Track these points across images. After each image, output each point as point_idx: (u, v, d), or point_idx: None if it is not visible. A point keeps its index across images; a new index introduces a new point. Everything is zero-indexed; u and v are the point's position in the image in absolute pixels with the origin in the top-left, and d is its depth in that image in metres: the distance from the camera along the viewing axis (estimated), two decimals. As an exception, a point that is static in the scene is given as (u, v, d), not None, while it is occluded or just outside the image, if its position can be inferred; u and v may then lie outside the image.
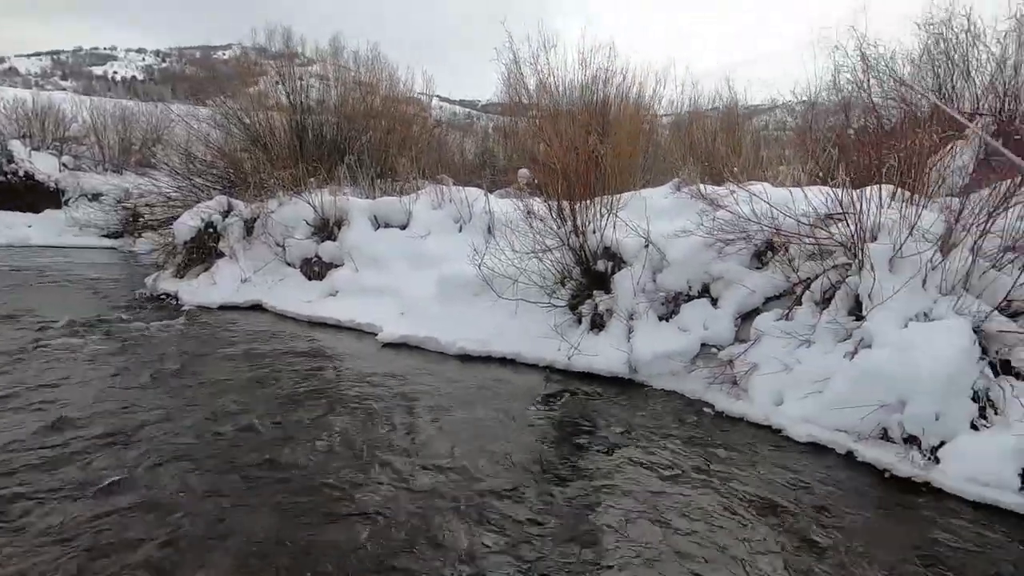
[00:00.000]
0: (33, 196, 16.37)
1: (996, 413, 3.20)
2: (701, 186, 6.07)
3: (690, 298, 5.23)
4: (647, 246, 5.30)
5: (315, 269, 7.84)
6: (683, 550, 2.55)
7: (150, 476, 3.02)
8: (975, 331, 3.47)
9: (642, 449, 3.56)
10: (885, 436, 3.45)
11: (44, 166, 16.94)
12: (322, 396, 4.38)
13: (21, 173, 16.47)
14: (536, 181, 9.32)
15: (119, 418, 3.76)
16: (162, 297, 8.07)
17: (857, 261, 4.34)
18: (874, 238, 4.35)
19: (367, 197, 8.79)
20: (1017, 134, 6.32)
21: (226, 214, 8.88)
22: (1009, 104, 6.88)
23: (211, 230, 8.61)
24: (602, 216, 5.69)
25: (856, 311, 4.19)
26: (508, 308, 5.68)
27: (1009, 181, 4.20)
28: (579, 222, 5.64)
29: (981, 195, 4.09)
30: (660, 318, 5.20)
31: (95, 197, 16.72)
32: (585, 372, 4.91)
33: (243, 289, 7.79)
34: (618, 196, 5.88)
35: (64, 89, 32.72)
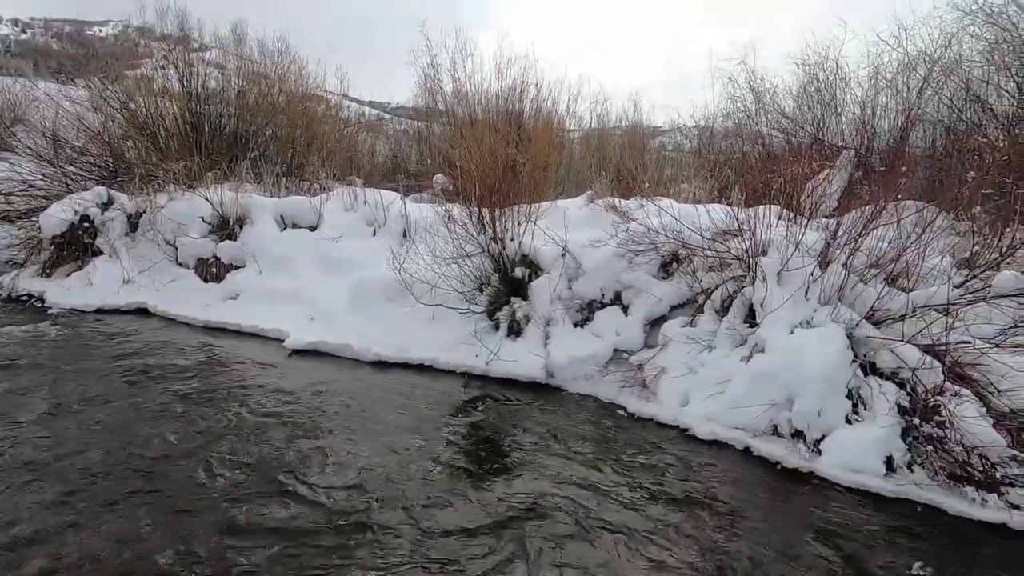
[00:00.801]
0: None
1: (865, 408, 3.64)
2: (614, 199, 6.36)
3: (603, 305, 5.46)
4: (564, 255, 5.47)
5: (212, 270, 7.25)
6: (597, 543, 2.65)
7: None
8: (848, 337, 3.93)
9: (559, 451, 3.65)
10: (776, 432, 3.80)
11: None
12: (222, 408, 4.05)
13: None
14: (452, 187, 9.33)
15: (-29, 438, 3.24)
16: (23, 298, 7.06)
17: (751, 273, 4.76)
18: (765, 252, 4.80)
19: (272, 196, 8.29)
20: (874, 165, 7.29)
21: (105, 207, 7.98)
22: (868, 139, 7.89)
23: (87, 224, 7.69)
24: (520, 224, 5.79)
25: (751, 319, 4.59)
26: (425, 314, 5.60)
27: (872, 206, 4.83)
28: (498, 229, 5.69)
29: (853, 217, 4.65)
30: (575, 324, 5.37)
31: (-68, 181, 14.31)
32: (503, 378, 4.94)
33: (125, 291, 7.02)
34: (536, 205, 6.01)
35: None
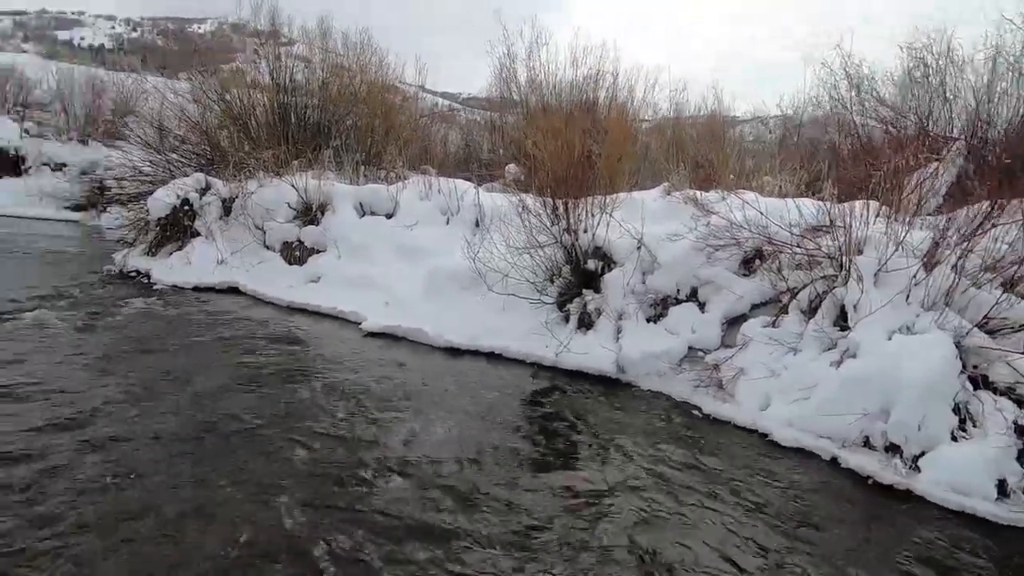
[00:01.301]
0: (-9, 162, 15.56)
1: (975, 425, 3.32)
2: (693, 192, 6.13)
3: (678, 301, 5.29)
4: (640, 248, 5.33)
5: (296, 254, 7.65)
6: (668, 549, 2.57)
7: (108, 466, 2.89)
8: (956, 346, 3.59)
9: (630, 448, 3.58)
10: (868, 444, 3.55)
11: (5, 132, 16.09)
12: (303, 384, 4.27)
13: (-22, 137, 15.62)
14: (524, 177, 9.33)
15: (87, 401, 3.60)
16: (132, 275, 7.75)
17: (844, 273, 4.45)
18: (860, 251, 4.47)
19: (351, 184, 8.62)
20: (989, 159, 6.59)
21: (203, 192, 8.58)
22: (982, 129, 7.15)
23: (187, 208, 8.31)
24: (594, 216, 5.70)
25: (841, 321, 4.29)
26: (497, 303, 5.64)
27: (987, 203, 4.37)
28: (571, 220, 5.64)
29: (965, 215, 4.24)
30: (648, 319, 5.24)
31: (58, 167, 15.99)
32: (573, 370, 4.91)
33: (220, 270, 7.54)
34: (611, 196, 5.90)
35: (25, 52, 31.17)
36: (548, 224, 5.63)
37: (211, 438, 3.23)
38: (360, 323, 5.87)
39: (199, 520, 2.46)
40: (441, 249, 6.80)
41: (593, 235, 5.62)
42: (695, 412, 4.23)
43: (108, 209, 13.60)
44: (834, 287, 4.46)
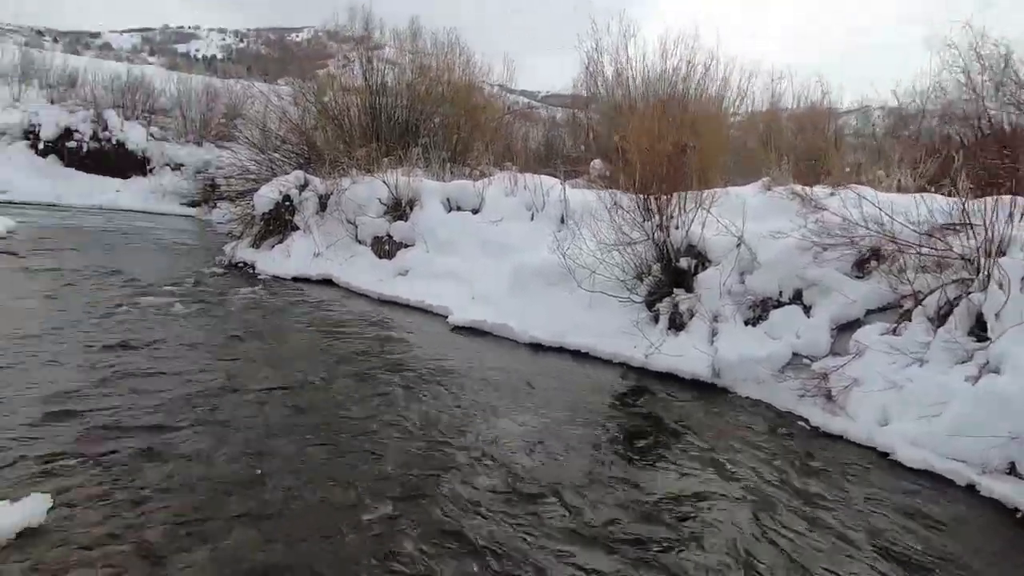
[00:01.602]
0: (123, 163, 17.40)
1: None
2: (797, 187, 5.70)
3: (780, 304, 4.93)
4: (739, 245, 5.03)
5: (386, 248, 7.92)
6: (765, 571, 2.36)
7: (214, 440, 3.07)
8: None
9: (729, 459, 3.36)
10: (1014, 471, 3.11)
11: (134, 135, 17.94)
12: (393, 375, 4.37)
13: (114, 141, 17.50)
14: (610, 173, 9.12)
15: (196, 381, 3.87)
16: (239, 265, 8.35)
17: (981, 276, 3.95)
18: (1003, 252, 3.95)
19: (439, 180, 8.81)
20: None
21: (302, 188, 9.09)
22: None
23: (288, 203, 8.84)
24: (687, 212, 5.44)
25: (979, 331, 3.81)
26: (583, 300, 5.53)
27: None
28: (663, 217, 5.41)
29: None
30: (746, 322, 4.93)
31: (177, 167, 17.62)
32: (664, 372, 4.71)
33: (316, 263, 7.96)
34: (707, 192, 5.61)
35: (151, 64, 34.58)
36: (639, 220, 5.44)
37: (307, 423, 3.37)
38: (447, 317, 5.96)
39: (287, 504, 2.56)
40: (526, 244, 6.78)
41: (686, 232, 5.36)
42: (801, 423, 3.92)
43: (218, 205, 14.84)
44: (969, 292, 3.96)
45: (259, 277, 7.76)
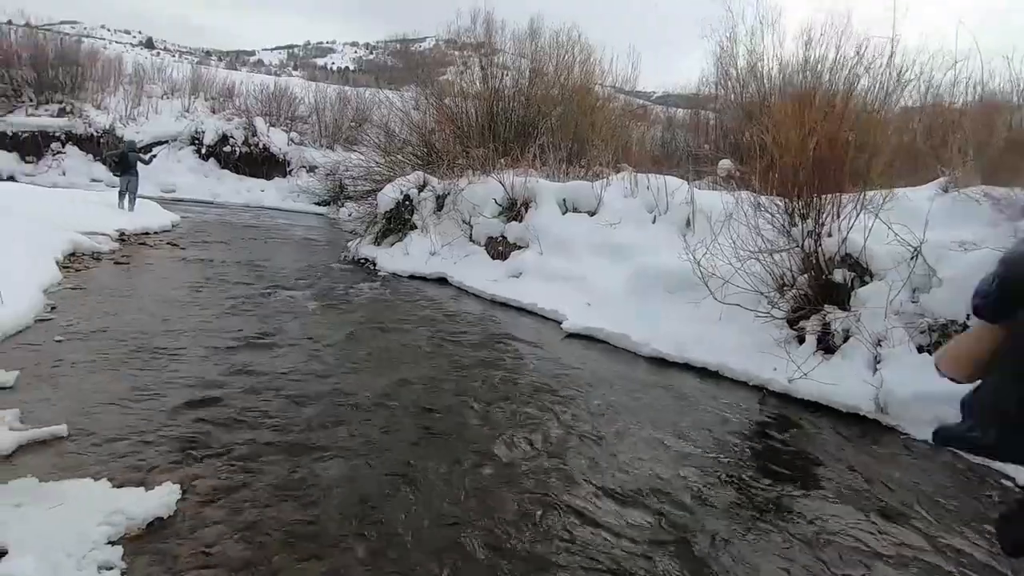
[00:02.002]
0: (267, 165, 19.25)
1: None
2: (990, 188, 4.72)
3: (967, 328, 4.07)
4: (915, 257, 4.23)
5: (499, 248, 7.84)
6: None
7: (332, 440, 3.02)
8: None
9: (899, 513, 2.74)
10: None
11: (277, 140, 19.77)
12: (506, 384, 4.19)
13: (260, 146, 19.42)
14: (739, 173, 8.35)
15: (321, 378, 3.93)
16: (361, 261, 8.73)
17: None
18: None
19: (555, 180, 8.60)
20: None
21: (421, 189, 9.32)
22: None
23: (407, 203, 9.10)
24: (844, 216, 4.70)
25: None
26: (712, 312, 5.00)
27: None
28: (815, 222, 4.72)
29: None
30: (920, 349, 4.13)
31: (312, 168, 19.13)
32: (812, 401, 4.08)
33: (431, 261, 8.08)
34: (872, 194, 4.81)
35: (294, 76, 38.11)
36: (784, 225, 4.80)
37: (426, 432, 3.26)
38: (560, 322, 5.70)
39: (405, 523, 2.41)
40: (647, 249, 6.33)
41: (843, 240, 4.63)
42: (1006, 482, 3.15)
43: (345, 204, 15.87)
44: None
45: (379, 274, 8.03)
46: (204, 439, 2.70)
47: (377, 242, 9.27)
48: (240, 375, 3.66)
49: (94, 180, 16.40)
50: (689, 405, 4.05)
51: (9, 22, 20.53)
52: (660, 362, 4.87)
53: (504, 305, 6.68)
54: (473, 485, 2.67)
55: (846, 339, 4.36)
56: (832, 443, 3.57)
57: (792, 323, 4.76)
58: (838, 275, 4.63)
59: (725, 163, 8.88)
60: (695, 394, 4.25)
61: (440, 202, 9.10)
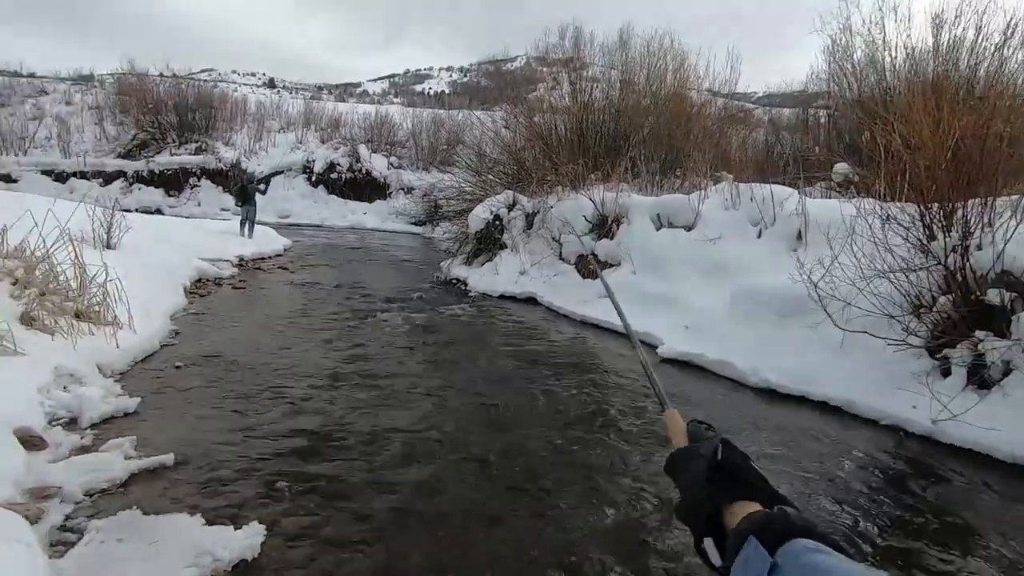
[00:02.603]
0: (369, 189, 20.46)
1: None
2: None
3: None
4: (1102, 275, 3.46)
5: (590, 267, 7.60)
6: None
7: (424, 475, 2.94)
8: None
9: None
10: None
11: (378, 165, 20.97)
12: (595, 408, 3.96)
13: (363, 171, 20.69)
14: (858, 177, 7.50)
15: (409, 404, 3.92)
16: (453, 281, 8.87)
17: None
18: None
19: (648, 194, 8.23)
20: None
21: (511, 208, 9.33)
22: None
23: (497, 222, 9.14)
24: (1001, 226, 3.97)
25: None
26: (832, 339, 4.43)
27: None
28: (960, 233, 4.04)
29: None
30: (1113, 388, 3.35)
31: (408, 190, 20.04)
32: (963, 448, 3.43)
33: (521, 281, 8.01)
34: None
35: (394, 104, 40.42)
36: (920, 238, 4.16)
37: (510, 459, 3.12)
38: (656, 347, 5.35)
39: (476, 547, 2.26)
40: (751, 267, 5.81)
41: (999, 253, 3.91)
42: None
43: (439, 224, 16.40)
44: None
45: (469, 294, 8.09)
46: (294, 473, 2.74)
47: (468, 262, 9.39)
48: (335, 405, 3.74)
49: (223, 209, 18.28)
50: (810, 445, 3.57)
51: (160, 75, 23.64)
52: (771, 394, 4.38)
53: (595, 327, 6.43)
54: (582, 527, 2.47)
55: (1007, 373, 3.65)
56: (990, 503, 2.96)
57: (933, 352, 4.09)
58: (993, 296, 3.91)
59: (841, 167, 8.03)
60: (816, 433, 3.74)
61: (529, 220, 9.04)
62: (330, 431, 3.29)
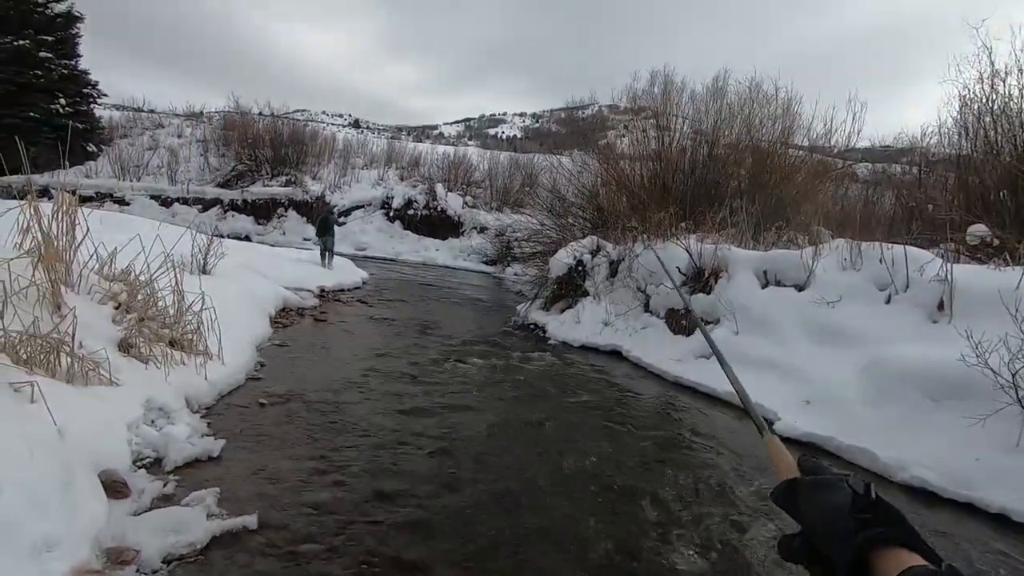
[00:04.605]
0: (443, 227, 20.75)
1: None
2: None
3: None
4: None
5: (682, 323, 7.04)
6: None
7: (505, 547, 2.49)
8: None
9: None
10: None
11: (453, 204, 21.30)
12: (695, 487, 3.40)
13: (439, 209, 21.07)
14: (996, 240, 6.65)
15: (492, 465, 3.51)
16: (531, 327, 8.51)
17: None
18: None
19: (741, 247, 7.63)
20: None
21: (595, 254, 8.96)
22: None
23: (580, 268, 8.77)
24: None
25: None
26: (1006, 432, 3.67)
27: None
28: None
29: None
30: None
31: (482, 230, 20.16)
32: None
33: (605, 332, 7.55)
34: None
35: (469, 146, 41.69)
36: None
37: (587, 524, 2.63)
38: (771, 421, 4.71)
39: None
40: (882, 336, 5.09)
41: None
42: None
43: (510, 264, 16.25)
44: None
45: (549, 342, 7.69)
46: (386, 552, 2.38)
47: (547, 307, 9.03)
48: (419, 458, 3.40)
49: (305, 239, 19.02)
50: (988, 558, 2.86)
51: (259, 112, 25.49)
52: (924, 495, 3.65)
53: (691, 390, 5.84)
54: None
55: None
56: None
57: None
58: None
59: (977, 228, 7.14)
60: (993, 553, 3.01)
61: (614, 268, 8.62)
62: (416, 494, 2.93)
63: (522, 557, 2.52)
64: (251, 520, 2.38)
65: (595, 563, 2.55)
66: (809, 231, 8.69)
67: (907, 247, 5.71)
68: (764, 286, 6.50)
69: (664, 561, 2.63)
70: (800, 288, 6.23)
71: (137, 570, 1.98)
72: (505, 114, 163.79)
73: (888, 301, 5.61)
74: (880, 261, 5.69)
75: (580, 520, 2.92)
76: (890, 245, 5.92)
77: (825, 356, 5.26)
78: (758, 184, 9.51)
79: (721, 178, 10.08)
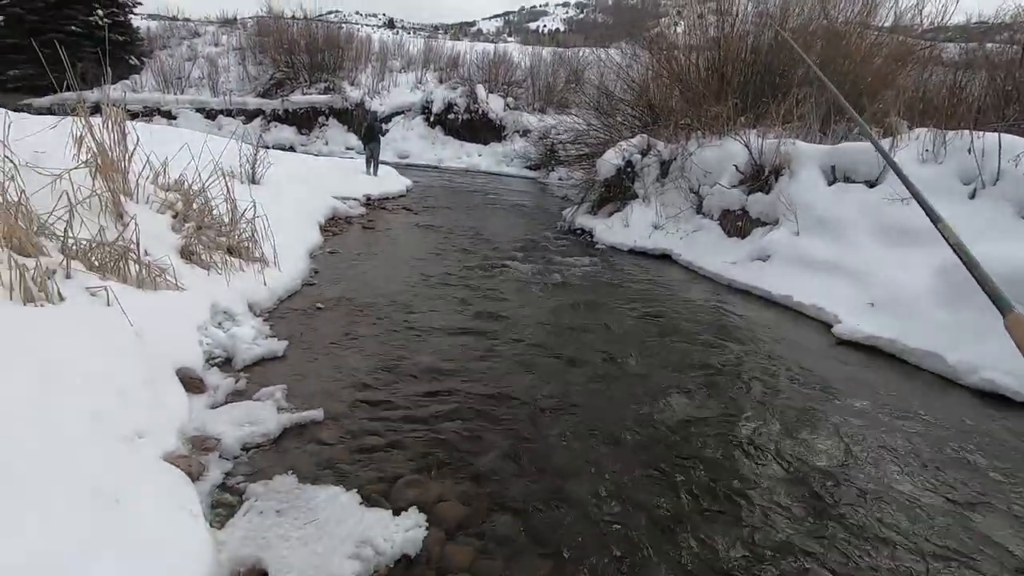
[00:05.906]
0: (484, 131, 20.08)
1: None
2: None
3: None
4: None
5: (737, 224, 6.72)
6: None
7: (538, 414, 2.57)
8: None
9: None
10: None
11: (495, 106, 20.42)
12: (742, 385, 3.41)
13: (480, 112, 20.27)
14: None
15: (547, 369, 3.57)
16: (577, 232, 8.35)
17: None
18: None
19: (807, 141, 7.01)
20: None
21: (645, 153, 8.51)
22: None
23: (629, 169, 8.39)
24: None
25: None
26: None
27: None
28: None
29: None
30: None
31: (525, 133, 19.40)
32: None
33: (655, 236, 7.32)
34: None
35: (509, 42, 39.23)
36: None
37: (637, 440, 2.67)
38: (830, 324, 4.56)
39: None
40: (963, 235, 4.67)
41: None
42: None
43: (554, 169, 15.74)
44: None
45: (596, 246, 7.56)
46: (443, 445, 2.50)
47: (594, 211, 8.79)
48: (474, 361, 3.49)
49: (348, 148, 18.90)
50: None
51: (292, 16, 24.52)
52: (997, 399, 3.51)
53: (745, 293, 5.67)
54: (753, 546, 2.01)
55: None
56: None
57: None
58: None
59: (1089, 111, 6.27)
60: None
61: (664, 168, 8.19)
62: (473, 398, 3.03)
63: (576, 455, 2.60)
64: (318, 414, 2.53)
65: (640, 456, 2.61)
66: (885, 122, 7.89)
67: (1001, 134, 5.10)
68: (831, 183, 6.04)
69: (717, 456, 2.67)
70: (872, 184, 5.76)
71: (220, 455, 2.16)
72: (547, 5, 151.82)
73: (973, 196, 5.12)
74: (969, 151, 5.12)
75: (637, 420, 2.97)
76: (981, 133, 5.30)
77: (895, 257, 4.94)
78: (829, 70, 8.56)
79: (787, 65, 9.12)
